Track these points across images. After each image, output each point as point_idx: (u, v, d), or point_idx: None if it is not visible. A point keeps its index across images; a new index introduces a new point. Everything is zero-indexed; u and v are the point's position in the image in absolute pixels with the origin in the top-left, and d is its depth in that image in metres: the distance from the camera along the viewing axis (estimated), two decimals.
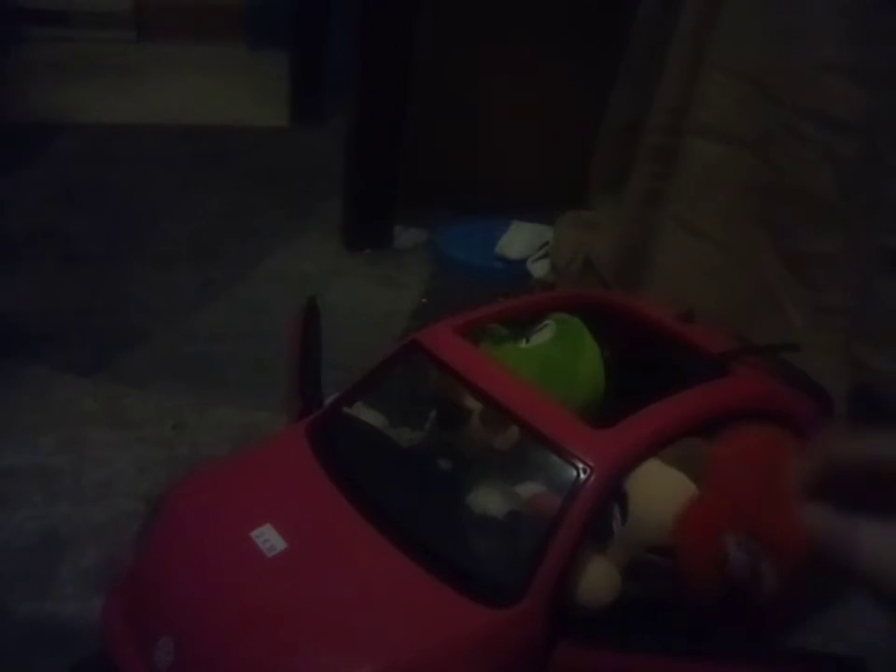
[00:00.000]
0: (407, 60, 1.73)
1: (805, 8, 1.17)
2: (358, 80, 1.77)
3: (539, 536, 0.79)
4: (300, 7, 2.36)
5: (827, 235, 1.18)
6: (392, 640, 0.75)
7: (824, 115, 1.15)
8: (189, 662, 0.77)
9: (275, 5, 2.62)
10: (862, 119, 1.12)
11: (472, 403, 0.91)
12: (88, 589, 1.04)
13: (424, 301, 1.70)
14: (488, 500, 0.86)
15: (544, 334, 1.02)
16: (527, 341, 1.02)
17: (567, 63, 1.82)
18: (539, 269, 1.75)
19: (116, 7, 2.88)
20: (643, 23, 1.51)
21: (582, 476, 0.80)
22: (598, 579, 0.80)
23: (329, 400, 0.98)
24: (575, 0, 1.78)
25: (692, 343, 1.01)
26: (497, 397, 0.88)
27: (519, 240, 1.83)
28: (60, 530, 1.13)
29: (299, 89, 2.44)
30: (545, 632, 0.78)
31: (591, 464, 0.81)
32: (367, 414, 0.98)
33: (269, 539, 0.81)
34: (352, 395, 0.97)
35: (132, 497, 1.17)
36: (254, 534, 0.82)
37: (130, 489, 1.19)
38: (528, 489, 0.89)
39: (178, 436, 1.30)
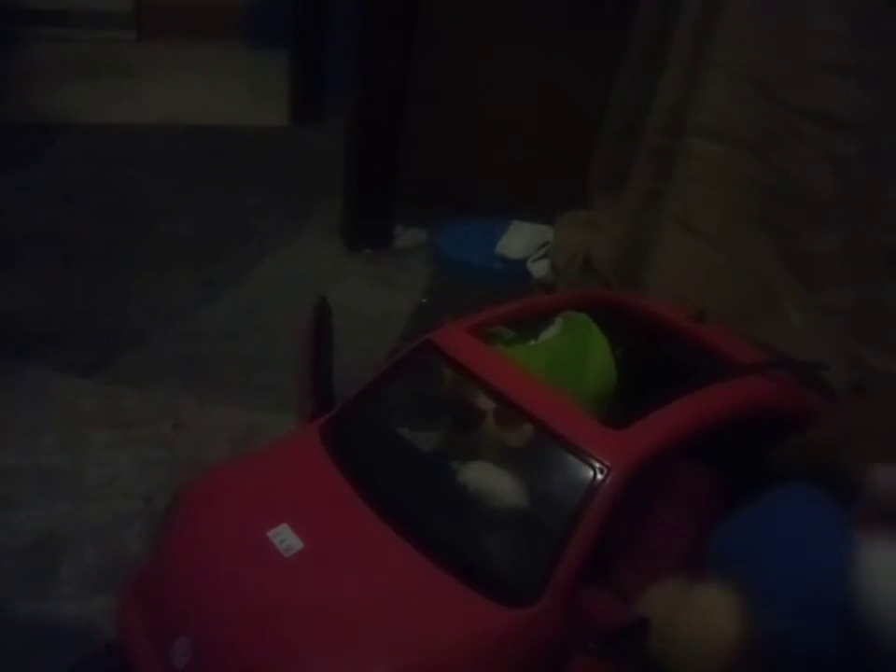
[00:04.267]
0: (407, 60, 1.73)
1: (805, 9, 1.17)
2: (358, 80, 1.77)
3: (556, 535, 0.80)
4: (299, 7, 2.36)
5: (827, 235, 1.18)
6: (410, 639, 0.75)
7: (824, 115, 1.15)
8: (206, 661, 0.77)
9: (275, 5, 2.62)
10: (862, 118, 1.12)
11: (486, 403, 0.91)
12: (88, 589, 1.04)
13: (424, 300, 1.70)
14: (505, 500, 0.86)
15: (552, 331, 1.03)
16: (535, 339, 1.02)
17: (567, 63, 1.82)
18: (539, 269, 1.75)
19: (116, 6, 2.88)
20: (643, 23, 1.51)
21: (600, 476, 0.80)
22: None
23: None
24: (575, 0, 1.79)
25: (706, 343, 1.01)
26: (513, 397, 0.88)
27: (519, 240, 1.83)
28: (60, 530, 1.13)
29: (299, 89, 2.44)
30: (563, 631, 0.77)
31: (608, 464, 0.81)
32: (381, 414, 0.98)
33: (286, 538, 0.81)
34: (365, 395, 0.97)
35: (132, 497, 1.17)
36: (270, 534, 0.82)
37: (130, 489, 1.19)
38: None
39: (178, 436, 1.30)
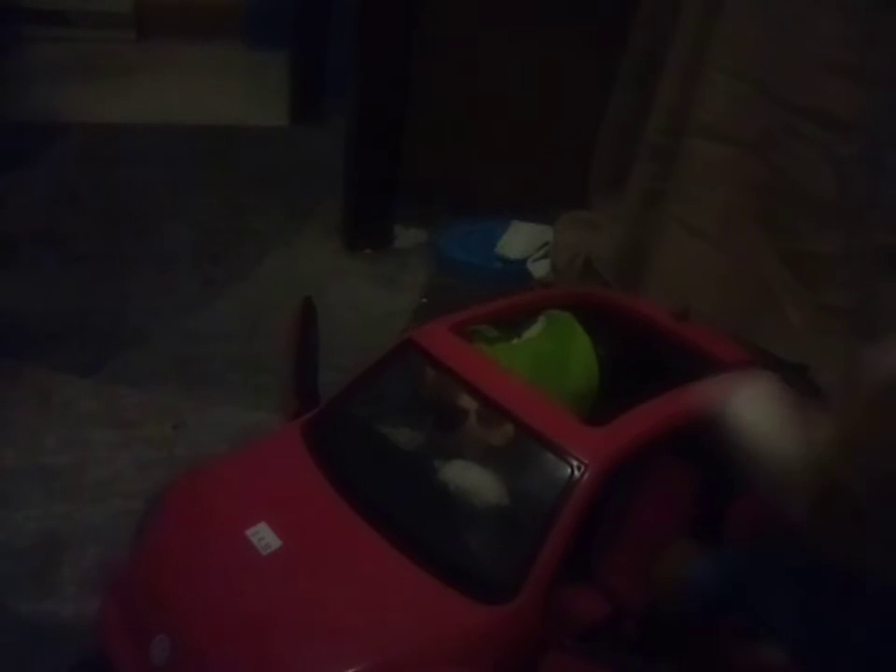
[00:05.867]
0: (407, 60, 1.73)
1: (804, 9, 1.17)
2: (358, 80, 1.77)
3: (534, 532, 0.80)
4: (300, 8, 2.36)
5: (827, 235, 1.18)
6: (387, 637, 0.76)
7: (824, 115, 1.15)
8: (184, 658, 0.78)
9: (275, 5, 2.62)
10: (862, 118, 1.12)
11: (468, 402, 0.91)
12: (88, 589, 1.04)
13: (424, 300, 1.70)
14: (485, 498, 0.87)
15: (535, 329, 1.03)
16: (518, 338, 1.03)
17: (567, 63, 1.82)
18: (539, 269, 1.75)
19: (116, 6, 2.88)
20: (643, 24, 1.51)
21: (577, 473, 0.81)
22: None
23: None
24: (576, 0, 1.79)
25: (687, 341, 1.01)
26: (493, 395, 0.89)
27: (519, 240, 1.83)
28: (60, 530, 1.13)
29: (299, 89, 2.44)
30: (540, 627, 0.78)
31: (585, 460, 0.81)
32: (362, 413, 0.99)
33: (264, 537, 0.82)
34: (347, 394, 0.97)
35: (132, 496, 1.17)
36: (249, 532, 0.83)
37: (130, 489, 1.19)
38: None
39: (178, 436, 1.31)
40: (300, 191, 2.07)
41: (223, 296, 1.66)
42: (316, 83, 2.42)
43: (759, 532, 0.88)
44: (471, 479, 0.87)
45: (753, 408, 0.72)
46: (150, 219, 1.90)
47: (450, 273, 1.79)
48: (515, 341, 1.02)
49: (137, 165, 2.11)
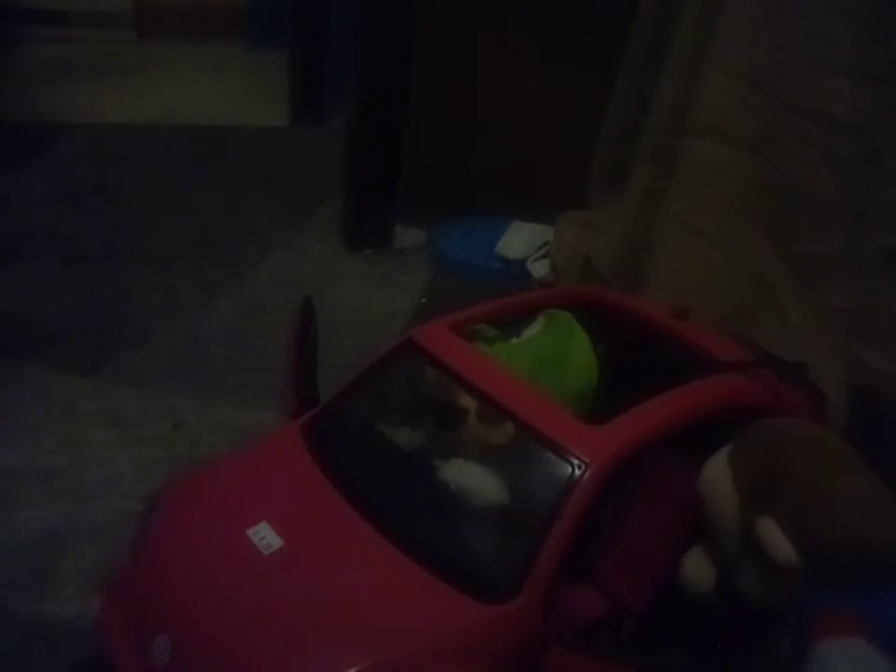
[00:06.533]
0: (407, 60, 1.73)
1: (804, 8, 1.16)
2: (358, 80, 1.78)
3: (535, 532, 0.80)
4: (300, 8, 2.36)
5: (827, 235, 1.18)
6: (388, 637, 0.76)
7: (824, 115, 1.15)
8: (185, 659, 0.77)
9: (275, 5, 2.62)
10: (862, 118, 1.12)
11: (468, 401, 0.92)
12: (88, 589, 1.04)
13: (424, 300, 1.70)
14: (485, 498, 0.87)
15: (534, 329, 1.03)
16: (518, 337, 1.03)
17: (567, 63, 1.82)
18: (539, 269, 1.75)
19: (116, 6, 2.88)
20: (643, 23, 1.51)
21: (577, 472, 0.81)
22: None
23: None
24: (575, 0, 1.79)
25: (687, 340, 1.01)
26: (493, 394, 0.89)
27: (519, 240, 1.83)
28: (60, 530, 1.13)
29: (299, 89, 2.44)
30: (541, 627, 0.78)
31: (586, 459, 0.81)
32: (362, 412, 0.99)
33: (265, 536, 0.82)
34: (347, 393, 0.97)
35: (132, 497, 1.17)
36: (250, 532, 0.82)
37: (130, 489, 1.19)
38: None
39: (178, 436, 1.31)
40: (300, 191, 2.07)
41: (223, 296, 1.66)
42: (316, 83, 2.42)
43: None
44: (472, 478, 0.87)
45: None
46: (150, 219, 1.90)
47: (450, 273, 1.79)
48: (515, 340, 1.02)
49: (137, 165, 2.12)
